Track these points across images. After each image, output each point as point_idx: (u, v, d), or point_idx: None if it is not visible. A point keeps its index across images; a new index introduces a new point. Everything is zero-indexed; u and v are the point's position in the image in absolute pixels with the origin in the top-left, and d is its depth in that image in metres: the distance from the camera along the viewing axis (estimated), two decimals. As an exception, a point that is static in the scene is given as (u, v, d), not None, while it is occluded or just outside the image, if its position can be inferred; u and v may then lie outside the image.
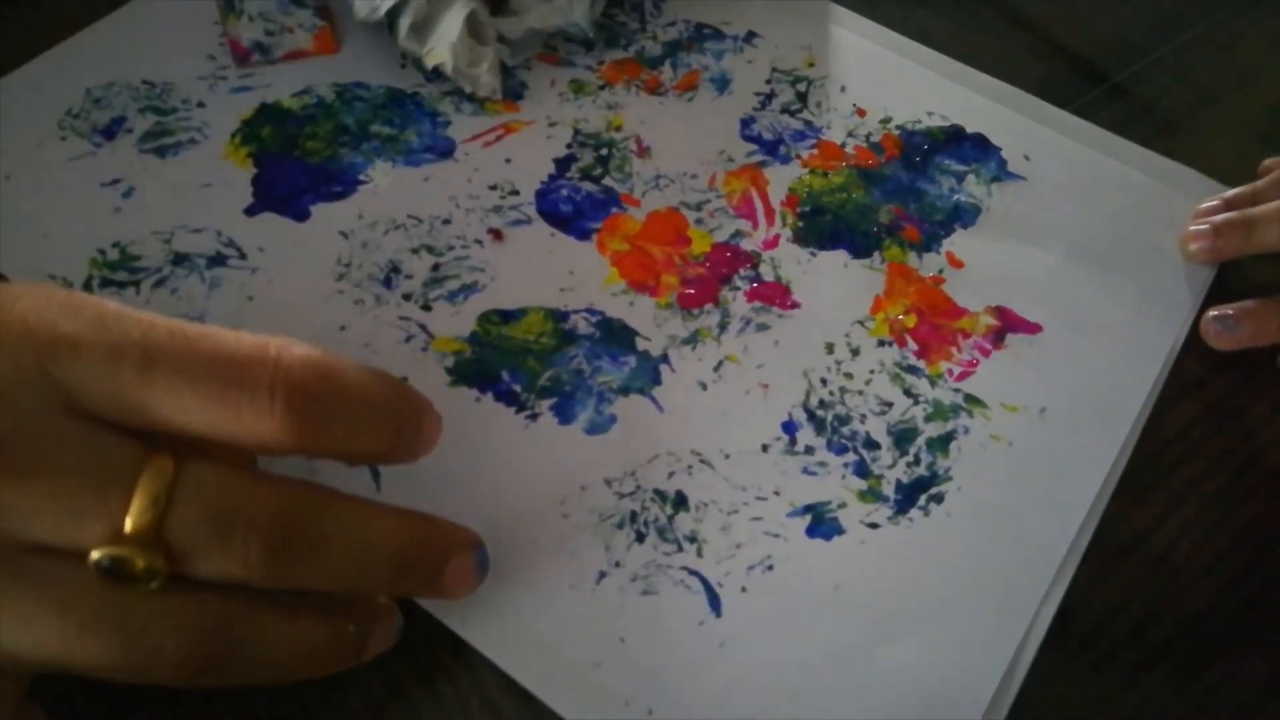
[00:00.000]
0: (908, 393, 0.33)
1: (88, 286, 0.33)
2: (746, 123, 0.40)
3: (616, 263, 0.35)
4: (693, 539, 0.29)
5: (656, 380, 0.32)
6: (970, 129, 0.40)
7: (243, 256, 0.34)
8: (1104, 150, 0.40)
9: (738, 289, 0.35)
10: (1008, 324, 0.35)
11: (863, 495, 0.31)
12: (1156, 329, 0.35)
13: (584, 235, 0.36)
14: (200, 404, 0.21)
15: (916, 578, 0.29)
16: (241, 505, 0.21)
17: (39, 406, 0.20)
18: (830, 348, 0.34)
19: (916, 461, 0.31)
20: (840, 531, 0.30)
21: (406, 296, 0.34)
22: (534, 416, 0.31)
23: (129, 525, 0.20)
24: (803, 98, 0.41)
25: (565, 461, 0.30)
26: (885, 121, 0.40)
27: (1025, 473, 0.31)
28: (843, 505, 0.30)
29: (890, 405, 0.33)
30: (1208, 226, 0.36)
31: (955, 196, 0.38)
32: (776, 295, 0.35)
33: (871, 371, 0.33)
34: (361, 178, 0.36)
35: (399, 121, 0.38)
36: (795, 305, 0.35)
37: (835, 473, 0.31)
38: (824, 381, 0.33)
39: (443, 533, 0.25)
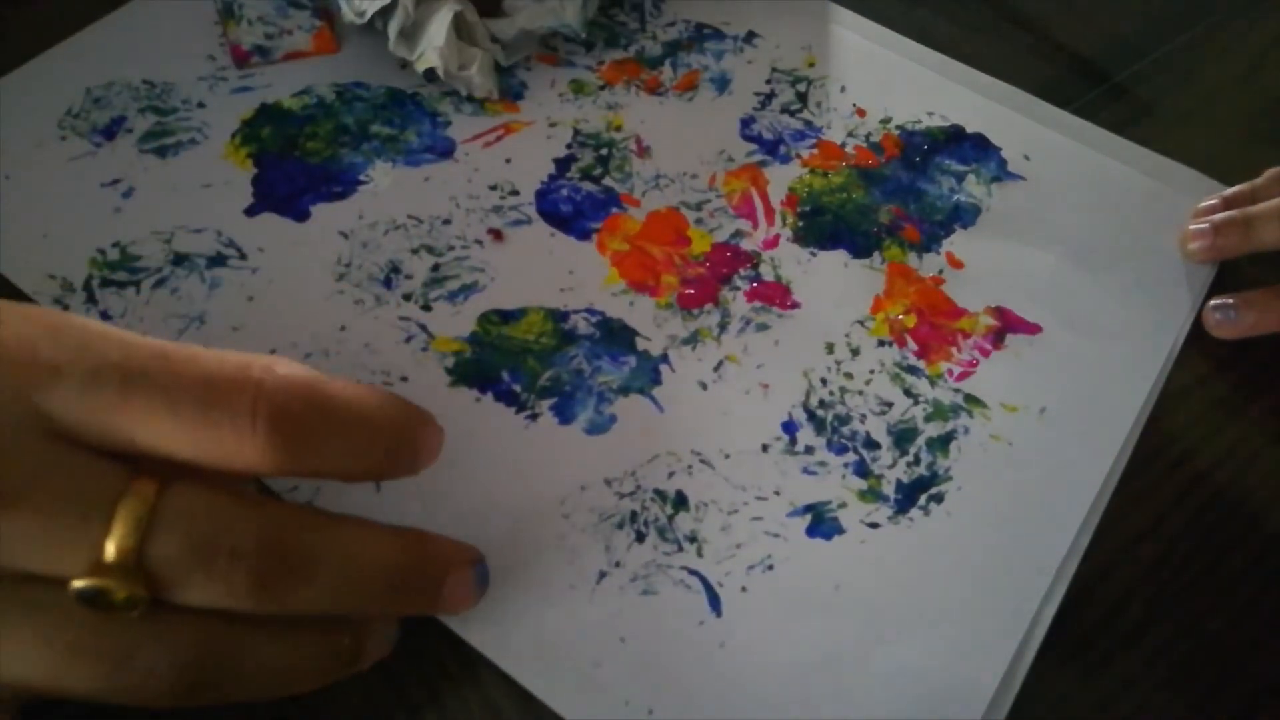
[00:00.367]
0: (908, 393, 0.33)
1: (87, 287, 0.33)
2: (746, 122, 0.40)
3: (616, 263, 0.35)
4: (693, 539, 0.29)
5: (656, 380, 0.32)
6: (970, 129, 0.40)
7: (243, 257, 0.34)
8: (1104, 150, 0.40)
9: (738, 289, 0.35)
10: (1008, 324, 0.35)
11: (863, 495, 0.31)
12: (1156, 329, 0.35)
13: (584, 235, 0.36)
14: (181, 428, 0.20)
15: (917, 578, 0.29)
16: (225, 532, 0.21)
17: (20, 434, 0.20)
18: (830, 348, 0.34)
19: (916, 461, 0.31)
20: (840, 531, 0.30)
21: (406, 296, 0.34)
22: (534, 416, 0.31)
23: (109, 554, 0.20)
24: (803, 98, 0.41)
25: (565, 461, 0.30)
26: (885, 121, 0.40)
27: (1025, 473, 0.31)
28: (843, 505, 0.30)
29: (890, 405, 0.33)
30: (1207, 225, 0.36)
31: (955, 196, 0.38)
32: (776, 295, 0.35)
33: (871, 371, 0.33)
34: (361, 178, 0.36)
35: (399, 121, 0.38)
36: (795, 305, 0.35)
37: (835, 472, 0.31)
38: (824, 381, 0.33)
39: (438, 550, 0.25)
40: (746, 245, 0.36)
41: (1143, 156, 0.40)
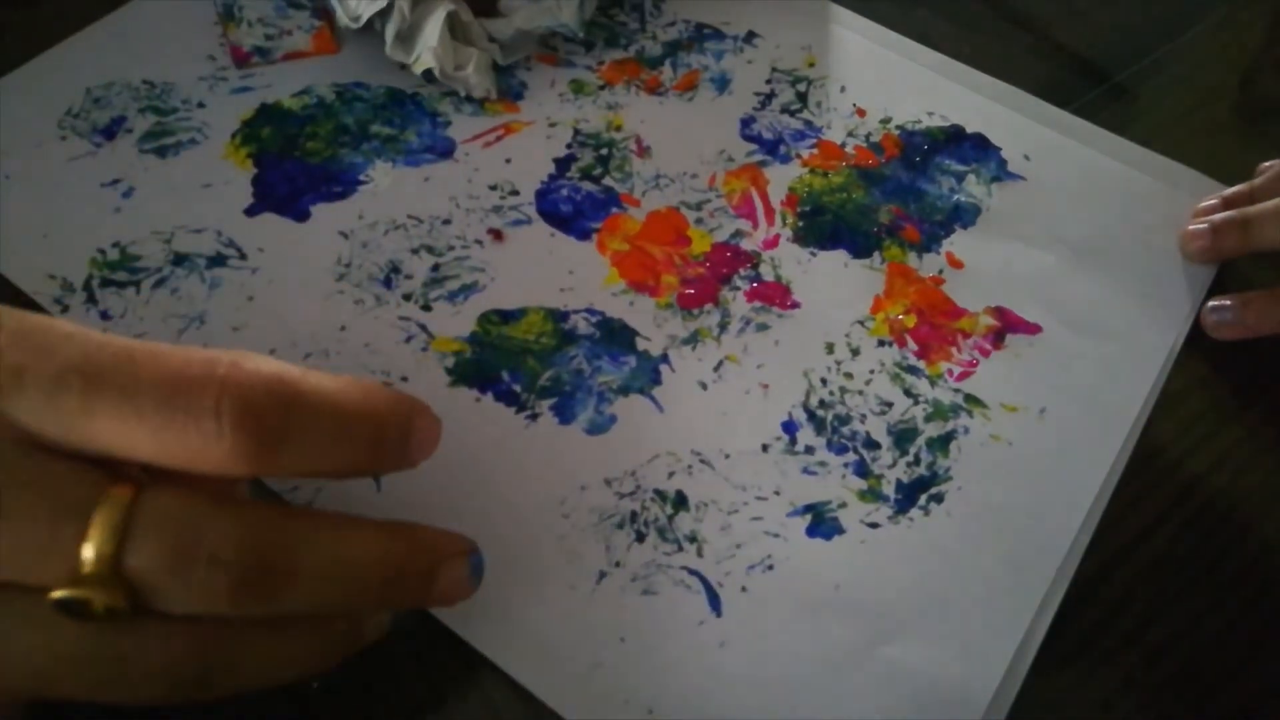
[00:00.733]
0: (908, 393, 0.33)
1: (87, 287, 0.33)
2: (746, 122, 0.40)
3: (616, 263, 0.35)
4: (693, 539, 0.29)
5: (656, 380, 0.32)
6: (970, 129, 0.40)
7: (243, 257, 0.34)
8: (1104, 150, 0.40)
9: (738, 289, 0.35)
10: (1007, 324, 0.35)
11: (863, 495, 0.31)
12: (1156, 329, 0.35)
13: (584, 235, 0.36)
14: (146, 430, 0.20)
15: (917, 578, 0.29)
16: (203, 538, 0.20)
17: None
18: (830, 348, 0.34)
19: (916, 461, 0.31)
20: (840, 531, 0.30)
21: (406, 296, 0.34)
22: (534, 416, 0.31)
23: (86, 564, 0.19)
24: (803, 98, 0.41)
25: (565, 461, 0.30)
26: (885, 121, 0.40)
27: (1025, 473, 0.31)
28: (843, 505, 0.30)
29: (890, 405, 0.33)
30: (1206, 226, 0.36)
31: (955, 196, 0.38)
32: (776, 295, 0.35)
33: (871, 371, 0.33)
34: (361, 178, 0.36)
35: (399, 121, 0.38)
36: (795, 305, 0.35)
37: (835, 472, 0.31)
38: (824, 381, 0.33)
39: (429, 542, 0.24)
40: (746, 245, 0.36)
41: (1143, 156, 0.40)
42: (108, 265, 0.33)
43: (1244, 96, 0.43)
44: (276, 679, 0.23)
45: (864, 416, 0.32)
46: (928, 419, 0.32)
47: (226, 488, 0.23)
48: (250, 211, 0.35)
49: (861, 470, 0.31)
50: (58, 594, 0.19)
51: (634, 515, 0.30)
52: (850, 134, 0.40)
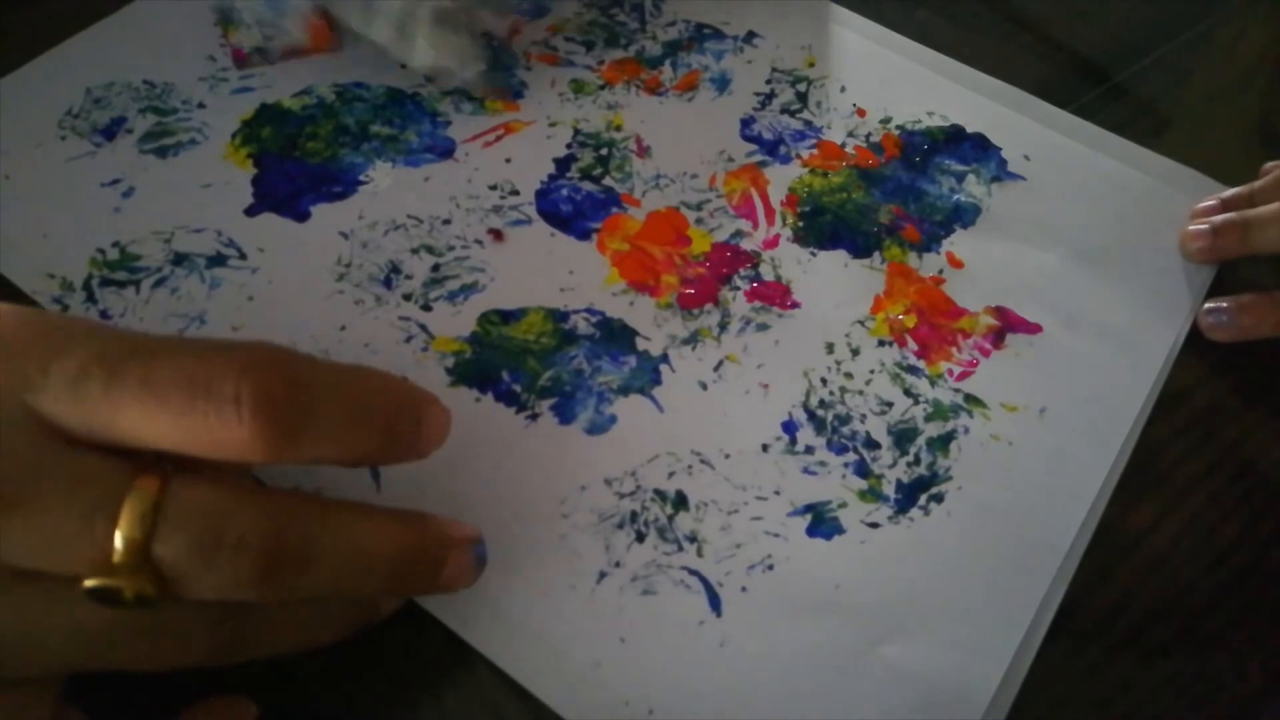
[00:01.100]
0: (908, 392, 0.33)
1: (87, 286, 0.33)
2: (746, 123, 0.40)
3: (617, 263, 0.35)
4: (693, 539, 0.29)
5: (657, 380, 0.32)
6: (970, 129, 0.40)
7: (243, 257, 0.34)
8: (1104, 150, 0.40)
9: (738, 289, 0.35)
10: (1008, 324, 0.35)
11: (863, 495, 0.31)
12: (1156, 329, 0.35)
13: (584, 235, 0.36)
14: (168, 419, 0.20)
15: (917, 577, 0.29)
16: (229, 525, 0.21)
17: (19, 436, 0.20)
18: (830, 347, 0.34)
19: (917, 461, 0.31)
20: (840, 531, 0.30)
21: (407, 297, 0.34)
22: (534, 416, 0.31)
23: (116, 554, 0.20)
24: (803, 98, 0.41)
25: (565, 461, 0.30)
26: (885, 121, 0.40)
27: (1025, 473, 0.31)
28: (843, 505, 0.30)
29: (890, 405, 0.33)
30: (1206, 227, 0.36)
31: (955, 196, 0.38)
32: (776, 295, 0.35)
33: (872, 371, 0.33)
34: (361, 178, 0.36)
35: (399, 121, 0.38)
36: (795, 305, 0.35)
37: (835, 472, 0.31)
38: (824, 381, 0.33)
39: (438, 531, 0.25)
40: (746, 245, 0.36)
41: (1143, 156, 0.40)
42: (108, 265, 0.33)
43: (1244, 96, 0.43)
44: (300, 646, 0.24)
45: (864, 416, 0.32)
46: (928, 419, 0.32)
47: (238, 477, 0.24)
48: (250, 211, 0.35)
49: (862, 470, 0.31)
50: (90, 583, 0.20)
51: (634, 515, 0.30)
52: (850, 134, 0.40)
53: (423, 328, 0.33)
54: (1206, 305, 0.35)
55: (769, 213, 0.37)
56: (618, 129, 0.39)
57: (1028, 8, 0.46)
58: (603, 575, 0.28)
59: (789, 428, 0.32)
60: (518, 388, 0.32)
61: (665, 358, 0.33)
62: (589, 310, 0.34)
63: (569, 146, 0.38)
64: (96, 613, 0.20)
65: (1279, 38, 0.46)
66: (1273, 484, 0.32)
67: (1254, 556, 0.31)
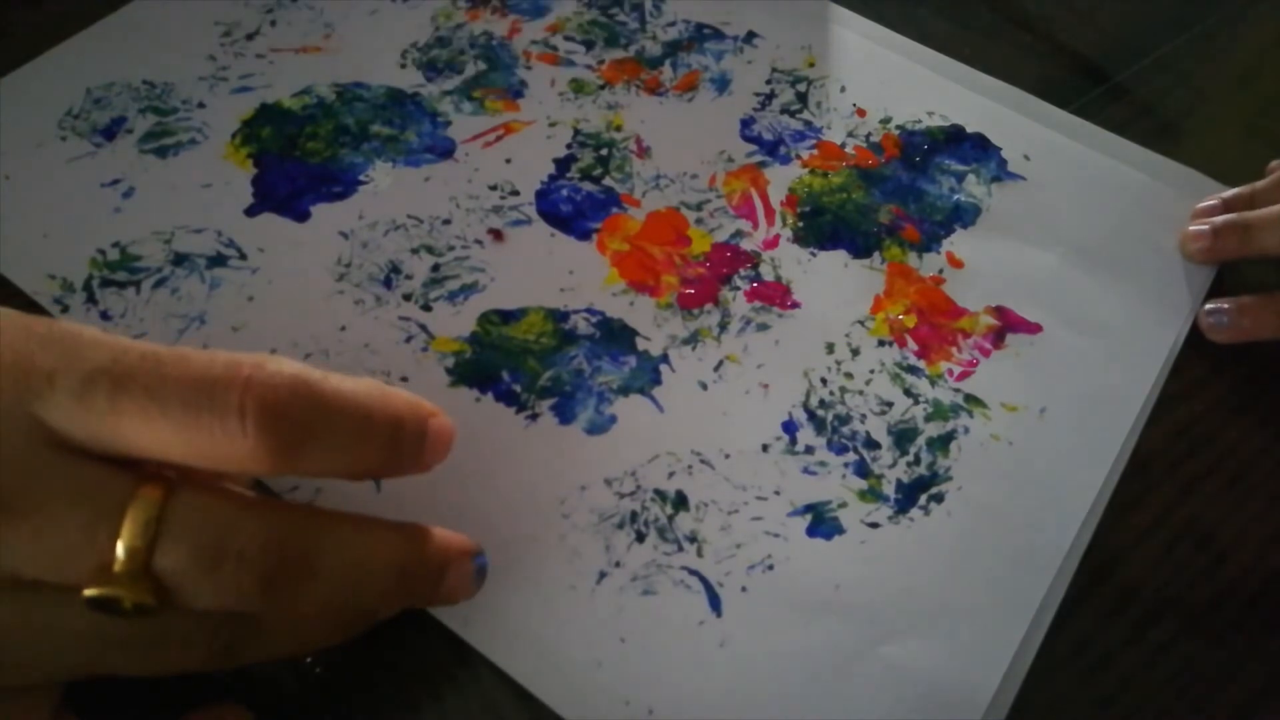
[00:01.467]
0: (908, 392, 0.33)
1: (87, 287, 0.33)
2: (746, 123, 0.40)
3: (617, 263, 0.35)
4: (693, 539, 0.29)
5: (657, 380, 0.32)
6: (970, 129, 0.40)
7: (243, 257, 0.34)
8: (1104, 150, 0.40)
9: (738, 289, 0.35)
10: (1008, 324, 0.35)
11: (863, 495, 0.31)
12: (1157, 328, 0.35)
13: (584, 235, 0.36)
14: (173, 430, 0.20)
15: (917, 577, 0.29)
16: (231, 537, 0.21)
17: (23, 444, 0.20)
18: (830, 347, 0.34)
19: (917, 461, 0.31)
20: (840, 531, 0.30)
21: (407, 297, 0.34)
22: (534, 416, 0.31)
23: (117, 563, 0.20)
24: (803, 98, 0.41)
25: (565, 461, 0.30)
26: (885, 121, 0.40)
27: (1025, 473, 0.31)
28: (843, 505, 0.30)
29: (890, 405, 0.33)
30: (1207, 228, 0.36)
31: (955, 196, 0.38)
32: (777, 295, 0.35)
33: (872, 371, 0.33)
34: (361, 178, 0.36)
35: (399, 122, 0.38)
36: (795, 305, 0.35)
37: (835, 472, 0.31)
38: (824, 381, 0.33)
39: (439, 544, 0.25)
40: (746, 245, 0.36)
41: (1143, 156, 0.40)
42: (108, 265, 0.33)
43: (1244, 96, 0.43)
44: (298, 650, 0.24)
45: (864, 416, 0.32)
46: (928, 419, 0.32)
47: (240, 487, 0.24)
48: (250, 211, 0.35)
49: (862, 470, 0.31)
50: (90, 592, 0.20)
51: (634, 515, 0.30)
52: (850, 134, 0.40)
53: (423, 328, 0.33)
54: (1207, 306, 0.35)
55: (769, 213, 0.37)
56: (618, 129, 0.39)
57: (1028, 8, 0.46)
58: (603, 575, 0.28)
59: (789, 428, 0.32)
60: (518, 388, 0.32)
61: (665, 358, 0.33)
62: (589, 310, 0.34)
63: (569, 147, 0.38)
64: (97, 620, 0.20)
65: (1279, 38, 0.46)
66: (1272, 484, 0.32)
67: (1254, 556, 0.31)
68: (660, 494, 0.30)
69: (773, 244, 0.36)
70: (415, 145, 0.38)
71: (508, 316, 0.34)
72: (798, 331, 0.34)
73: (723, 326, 0.34)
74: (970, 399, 0.33)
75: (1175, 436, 0.33)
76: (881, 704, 0.27)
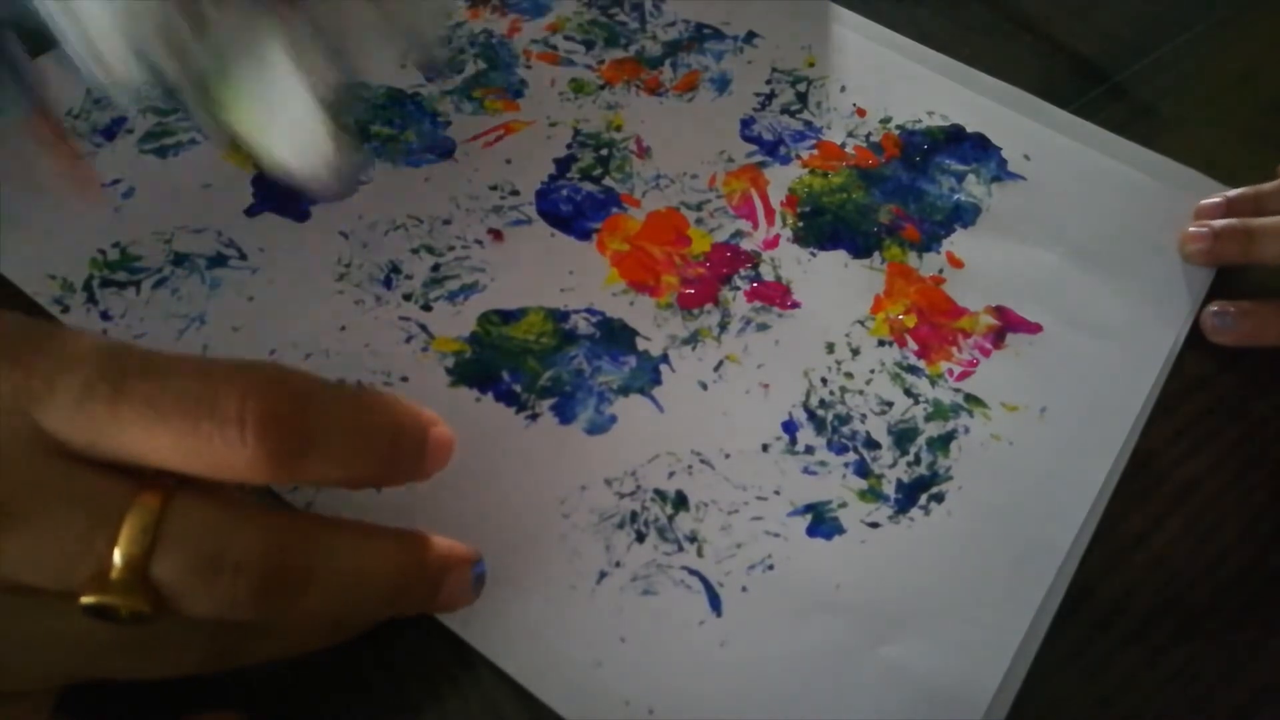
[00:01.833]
0: (908, 392, 0.33)
1: (88, 287, 0.33)
2: (746, 123, 0.40)
3: (617, 263, 0.35)
4: (693, 539, 0.29)
5: (657, 380, 0.32)
6: (970, 129, 0.40)
7: (243, 257, 0.34)
8: (1104, 150, 0.40)
9: (738, 289, 0.35)
10: (1008, 324, 0.35)
11: (863, 495, 0.31)
12: (1157, 328, 0.35)
13: (584, 235, 0.36)
14: (172, 438, 0.20)
15: (917, 577, 0.29)
16: (228, 546, 0.21)
17: (21, 451, 0.20)
18: (830, 347, 0.34)
19: (917, 461, 0.31)
20: (841, 531, 0.30)
21: (407, 297, 0.34)
22: (534, 416, 0.31)
23: (114, 570, 0.20)
24: (803, 98, 0.41)
25: (565, 461, 0.30)
26: (885, 121, 0.40)
27: (1025, 472, 0.31)
28: (843, 505, 0.30)
29: (890, 405, 0.33)
30: (1207, 230, 0.36)
31: (955, 196, 0.38)
32: (777, 295, 0.35)
33: (872, 371, 0.33)
34: (362, 178, 0.36)
35: (399, 121, 0.38)
36: (795, 305, 0.35)
37: (836, 472, 0.31)
38: (824, 381, 0.33)
39: (437, 552, 0.25)
40: (746, 245, 0.36)
41: (1143, 156, 0.40)
42: (108, 265, 0.33)
43: (1244, 96, 0.43)
44: (295, 652, 0.25)
45: (864, 416, 0.32)
46: (928, 418, 0.32)
47: (241, 492, 0.24)
48: (250, 211, 0.35)
49: (862, 470, 0.31)
50: (87, 600, 0.20)
51: (634, 515, 0.30)
52: (850, 134, 0.40)
53: (423, 328, 0.33)
54: (1212, 307, 0.35)
55: (769, 213, 0.37)
56: (618, 129, 0.39)
57: (1028, 8, 0.46)
58: (603, 575, 0.28)
59: (789, 427, 0.32)
60: (518, 388, 0.32)
61: (665, 358, 0.33)
62: (589, 310, 0.34)
63: (569, 147, 0.38)
64: (93, 626, 0.20)
65: (1278, 38, 0.46)
66: (1273, 484, 0.32)
67: (1254, 556, 0.31)
68: (660, 494, 0.30)
69: (773, 244, 0.36)
70: (415, 145, 0.38)
71: (508, 316, 0.34)
72: (798, 331, 0.34)
73: (723, 326, 0.34)
74: (970, 399, 0.33)
75: (1175, 436, 0.33)
76: (881, 704, 0.27)
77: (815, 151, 0.39)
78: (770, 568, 0.29)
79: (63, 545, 0.20)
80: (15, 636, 0.21)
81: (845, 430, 0.32)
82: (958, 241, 0.37)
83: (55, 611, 0.20)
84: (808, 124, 0.40)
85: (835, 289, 0.35)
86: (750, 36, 0.43)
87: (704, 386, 0.32)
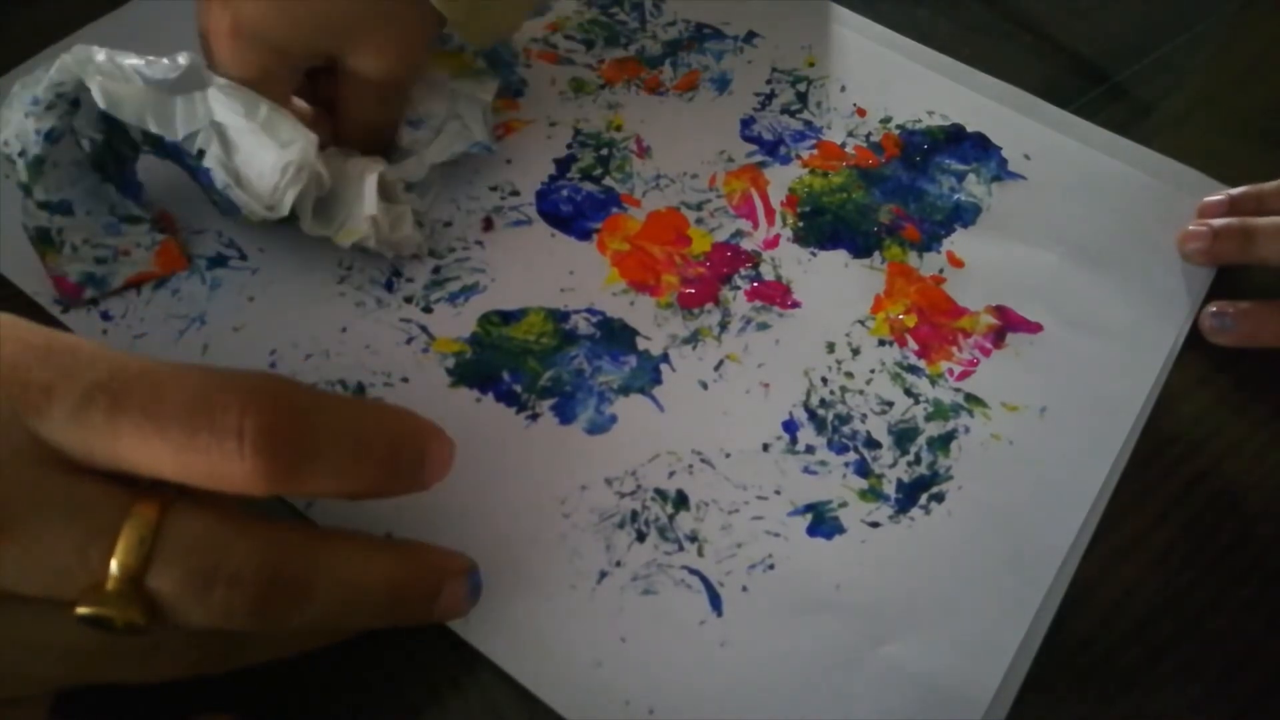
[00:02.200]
0: (908, 392, 0.33)
1: (88, 287, 0.33)
2: (746, 123, 0.40)
3: (617, 263, 0.35)
4: (693, 538, 0.29)
5: (657, 380, 0.33)
6: (970, 128, 0.40)
7: (243, 257, 0.34)
8: (1104, 150, 0.40)
9: (738, 288, 0.35)
10: (1008, 323, 0.35)
11: (864, 494, 0.31)
12: (1157, 328, 0.35)
13: (584, 235, 0.36)
14: (170, 450, 0.20)
15: (917, 577, 0.29)
16: (225, 559, 0.21)
17: (17, 461, 0.20)
18: (831, 347, 0.34)
19: (917, 461, 0.31)
20: (841, 531, 0.30)
21: (408, 299, 0.34)
22: (535, 416, 0.31)
23: (110, 581, 0.20)
24: (803, 98, 0.41)
25: (566, 461, 0.30)
26: (885, 121, 0.40)
27: (1025, 472, 0.31)
28: (843, 504, 0.30)
29: (891, 404, 0.33)
30: (1206, 229, 0.36)
31: (955, 196, 0.38)
32: (777, 294, 0.35)
33: (872, 371, 0.33)
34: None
35: (399, 121, 0.38)
36: (796, 305, 0.35)
37: (836, 472, 0.31)
38: (825, 381, 0.33)
39: (434, 564, 0.25)
40: (747, 245, 0.36)
41: (1143, 156, 0.40)
42: (108, 265, 0.33)
43: (1244, 96, 0.43)
44: (291, 652, 0.25)
45: (864, 416, 0.32)
46: (928, 418, 0.32)
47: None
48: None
49: (862, 470, 0.31)
50: (82, 610, 0.20)
51: (635, 515, 0.30)
52: (850, 134, 0.40)
53: (423, 329, 0.33)
54: (1211, 308, 0.35)
55: (769, 213, 0.37)
56: (618, 129, 0.39)
57: (1028, 8, 0.46)
58: (603, 575, 0.28)
59: (789, 427, 0.32)
60: (518, 388, 0.32)
61: (666, 357, 0.33)
62: (589, 310, 0.34)
63: (569, 146, 0.38)
64: (88, 634, 0.20)
65: (1278, 38, 0.46)
66: (1272, 484, 0.32)
67: (1254, 556, 0.31)
68: (661, 493, 0.30)
69: (773, 244, 0.36)
70: (415, 145, 0.38)
71: (508, 317, 0.34)
72: (798, 331, 0.34)
73: (723, 326, 0.34)
74: (971, 398, 0.33)
75: (1175, 436, 0.33)
76: (881, 704, 0.27)
77: (815, 151, 0.39)
78: (771, 567, 0.29)
79: (58, 556, 0.20)
80: (9, 643, 0.21)
81: (845, 430, 0.32)
82: (958, 241, 0.37)
83: (50, 619, 0.20)
84: (808, 124, 0.40)
85: (835, 289, 0.35)
86: (750, 36, 0.43)
87: (704, 386, 0.33)
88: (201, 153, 0.30)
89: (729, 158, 0.39)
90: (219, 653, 0.23)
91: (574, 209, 0.36)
